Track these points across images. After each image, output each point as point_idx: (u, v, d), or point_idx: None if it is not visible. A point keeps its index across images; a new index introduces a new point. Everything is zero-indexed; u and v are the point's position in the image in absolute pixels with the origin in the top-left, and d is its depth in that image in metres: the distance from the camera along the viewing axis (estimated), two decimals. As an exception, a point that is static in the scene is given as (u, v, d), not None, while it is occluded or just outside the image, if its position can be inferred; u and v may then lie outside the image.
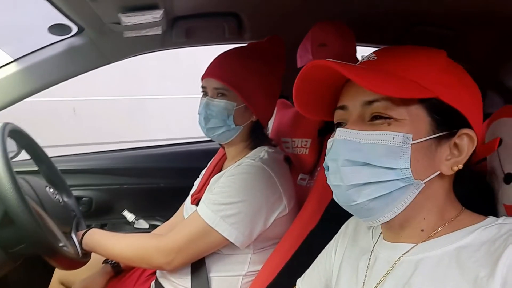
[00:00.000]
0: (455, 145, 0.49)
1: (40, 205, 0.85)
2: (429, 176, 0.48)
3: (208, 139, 1.03)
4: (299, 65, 1.13)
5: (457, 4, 1.04)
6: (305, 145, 1.04)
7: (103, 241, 0.94)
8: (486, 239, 0.45)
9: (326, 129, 1.03)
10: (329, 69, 0.46)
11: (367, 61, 0.53)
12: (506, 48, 1.31)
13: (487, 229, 0.46)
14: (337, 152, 0.50)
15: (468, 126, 0.49)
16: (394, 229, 0.53)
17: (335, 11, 1.12)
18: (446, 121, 0.49)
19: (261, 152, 0.96)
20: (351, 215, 0.68)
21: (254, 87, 0.95)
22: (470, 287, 0.42)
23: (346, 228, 0.67)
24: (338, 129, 0.51)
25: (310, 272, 0.70)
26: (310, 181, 1.06)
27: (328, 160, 0.52)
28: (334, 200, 0.90)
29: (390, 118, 0.48)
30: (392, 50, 0.53)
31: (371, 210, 0.49)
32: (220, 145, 1.08)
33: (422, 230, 0.50)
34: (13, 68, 1.15)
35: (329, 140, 0.53)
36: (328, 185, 0.91)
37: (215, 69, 0.98)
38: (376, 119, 0.49)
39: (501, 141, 0.57)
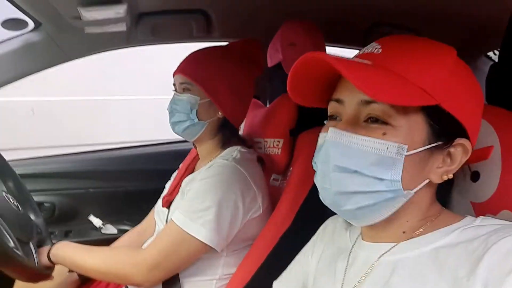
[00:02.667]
0: (448, 153, 0.48)
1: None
2: (419, 185, 0.47)
3: (179, 140, 1.00)
4: (269, 65, 1.12)
5: (416, 4, 1.07)
6: (277, 145, 1.03)
7: (74, 253, 0.89)
8: (463, 239, 0.44)
9: (298, 129, 1.02)
10: (326, 63, 0.43)
11: (371, 54, 0.49)
12: (466, 48, 1.37)
13: (466, 230, 0.45)
14: (328, 154, 0.47)
15: (465, 135, 0.47)
16: (375, 230, 0.52)
17: (303, 11, 1.12)
18: (444, 130, 0.46)
19: (234, 151, 0.95)
20: (324, 216, 0.68)
21: (220, 83, 0.94)
22: (449, 287, 0.41)
23: (324, 230, 0.65)
24: (330, 128, 0.47)
25: (286, 275, 0.69)
26: (282, 181, 1.05)
27: (318, 161, 0.49)
28: (307, 201, 0.91)
29: (387, 123, 0.45)
30: (399, 42, 0.49)
31: (357, 215, 0.48)
32: (193, 145, 1.06)
33: (404, 232, 0.50)
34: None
35: (320, 134, 0.50)
36: (301, 186, 0.92)
37: (182, 65, 0.98)
38: (372, 122, 0.46)
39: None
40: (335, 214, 0.66)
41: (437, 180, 0.48)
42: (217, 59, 0.97)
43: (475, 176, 0.56)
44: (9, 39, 1.15)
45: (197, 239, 0.83)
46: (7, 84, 1.17)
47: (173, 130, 0.99)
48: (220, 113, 0.96)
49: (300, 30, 1.05)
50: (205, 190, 0.87)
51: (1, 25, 1.09)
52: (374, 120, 0.46)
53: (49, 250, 0.89)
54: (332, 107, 0.51)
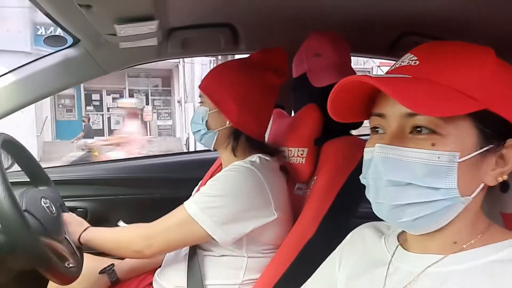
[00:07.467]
0: (501, 155, 0.47)
1: (47, 234, 0.84)
2: (475, 189, 0.46)
3: (205, 149, 1.05)
4: (294, 75, 1.14)
5: (445, 14, 1.06)
6: (302, 154, 1.04)
7: (99, 231, 1.00)
8: None
9: (323, 138, 1.03)
10: (365, 83, 0.44)
11: (408, 66, 0.48)
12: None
13: None
14: (378, 170, 0.47)
15: None
16: (424, 239, 0.50)
17: (329, 21, 1.14)
18: (494, 132, 0.46)
19: (254, 157, 0.98)
20: (349, 225, 0.68)
21: (226, 92, 0.97)
22: None
23: (352, 239, 0.64)
24: (377, 145, 0.47)
25: (312, 282, 0.68)
26: (306, 190, 1.06)
27: (368, 177, 0.49)
28: (332, 209, 0.91)
29: (434, 132, 0.45)
30: (434, 50, 0.49)
31: (415, 226, 0.48)
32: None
33: (455, 242, 0.49)
34: (9, 79, 1.16)
35: (365, 149, 0.50)
36: (325, 194, 0.92)
37: (202, 80, 1.05)
38: (418, 133, 0.46)
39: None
40: (359, 223, 0.67)
41: (492, 182, 0.47)
42: (228, 71, 1.01)
43: (505, 187, 0.55)
44: (49, 54, 1.24)
45: (195, 221, 0.88)
46: (47, 96, 1.25)
47: (196, 139, 1.06)
48: (228, 122, 0.99)
49: (325, 41, 1.05)
50: (216, 181, 0.93)
51: (44, 41, 1.18)
52: (420, 130, 0.45)
53: (80, 234, 0.97)
54: (374, 121, 0.51)
